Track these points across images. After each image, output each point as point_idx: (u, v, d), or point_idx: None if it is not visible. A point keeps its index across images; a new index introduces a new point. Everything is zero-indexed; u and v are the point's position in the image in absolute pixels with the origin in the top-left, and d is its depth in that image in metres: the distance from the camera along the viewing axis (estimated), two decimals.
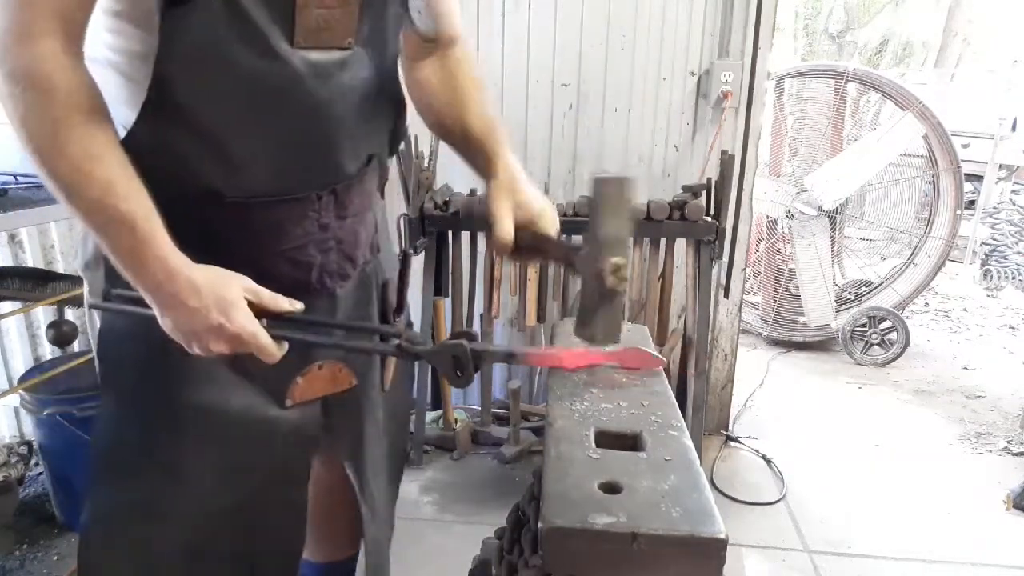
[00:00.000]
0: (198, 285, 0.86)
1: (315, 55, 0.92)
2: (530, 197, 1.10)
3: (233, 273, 0.91)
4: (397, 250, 1.36)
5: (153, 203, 0.86)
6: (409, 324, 1.27)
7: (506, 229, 1.06)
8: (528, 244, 1.07)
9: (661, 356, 1.01)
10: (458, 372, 0.95)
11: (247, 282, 0.91)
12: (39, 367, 2.33)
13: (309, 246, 1.02)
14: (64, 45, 0.80)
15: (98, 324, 1.02)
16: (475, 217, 2.41)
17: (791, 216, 4.06)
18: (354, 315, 1.13)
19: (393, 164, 2.58)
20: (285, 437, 1.07)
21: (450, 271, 2.59)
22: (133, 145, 0.89)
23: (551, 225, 1.09)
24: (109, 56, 0.91)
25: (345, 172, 1.04)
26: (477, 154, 1.14)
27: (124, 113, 0.90)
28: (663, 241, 2.47)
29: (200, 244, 0.93)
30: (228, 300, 0.88)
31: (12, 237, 2.42)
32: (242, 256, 0.96)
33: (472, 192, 2.46)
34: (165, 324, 0.90)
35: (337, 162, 1.02)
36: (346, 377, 1.12)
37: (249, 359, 0.93)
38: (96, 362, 1.04)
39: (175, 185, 0.91)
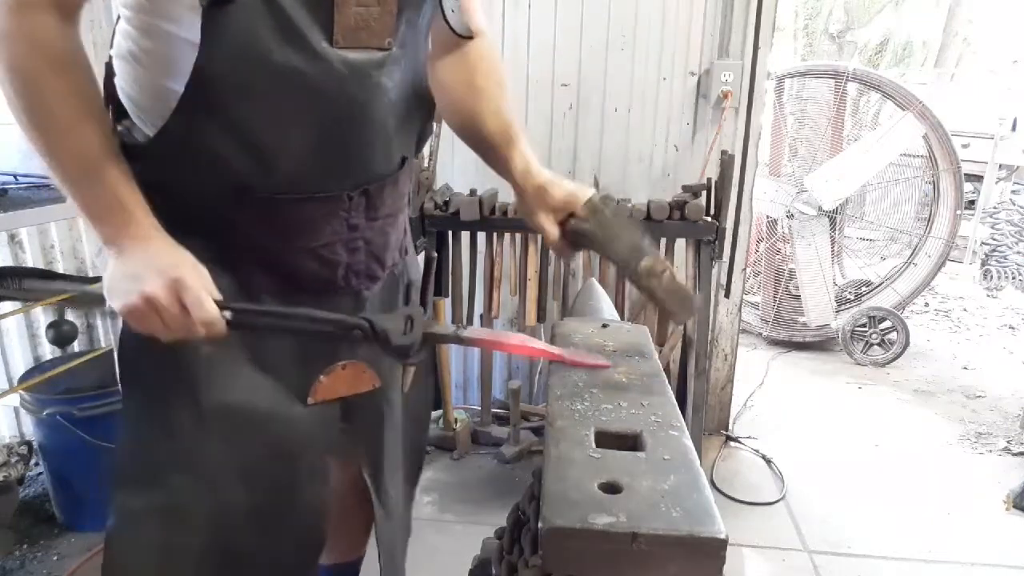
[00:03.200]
0: (161, 236, 0.90)
1: (354, 55, 0.92)
2: (554, 188, 1.08)
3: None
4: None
5: (179, 199, 0.92)
6: None
7: (550, 232, 1.07)
8: (578, 233, 1.07)
9: (607, 362, 0.99)
10: (406, 332, 0.96)
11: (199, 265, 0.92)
12: (39, 367, 2.33)
13: (337, 245, 1.02)
14: (59, 20, 0.83)
15: (120, 324, 1.02)
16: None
17: (791, 216, 4.06)
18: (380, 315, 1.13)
19: None
20: (306, 437, 1.07)
21: (450, 271, 2.59)
22: (165, 142, 0.91)
23: (583, 202, 1.07)
24: (137, 53, 0.92)
25: (378, 173, 1.04)
26: (492, 154, 1.13)
27: (155, 109, 0.91)
28: (663, 241, 2.47)
29: (224, 238, 0.95)
30: (186, 259, 0.89)
31: (12, 237, 2.42)
32: (268, 251, 0.97)
33: (472, 192, 2.46)
34: (114, 273, 0.89)
35: (370, 162, 1.02)
36: (369, 379, 1.12)
37: (268, 352, 0.95)
38: (117, 363, 1.04)
39: (205, 180, 0.94)
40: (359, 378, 1.10)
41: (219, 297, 0.91)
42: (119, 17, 0.94)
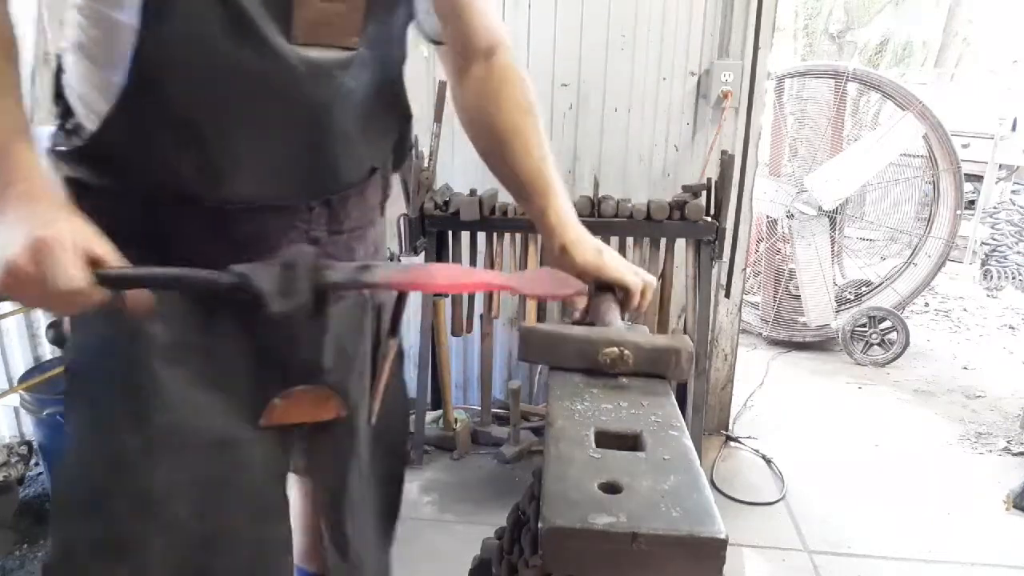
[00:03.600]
0: (52, 196, 0.77)
1: (315, 53, 0.84)
2: (577, 252, 0.99)
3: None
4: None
5: (123, 200, 0.84)
6: (400, 352, 1.16)
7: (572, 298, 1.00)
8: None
9: (577, 286, 0.88)
10: (287, 291, 0.80)
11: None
12: (39, 367, 2.33)
13: None
14: None
15: (75, 336, 0.94)
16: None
17: (791, 216, 4.06)
18: (347, 338, 1.01)
19: None
20: (260, 465, 0.97)
21: None
22: (107, 137, 0.83)
23: (608, 272, 1.00)
24: (81, 40, 0.85)
25: (341, 182, 0.96)
26: (523, 197, 1.04)
27: (97, 101, 0.84)
28: (663, 241, 2.48)
29: (170, 251, 0.85)
30: (62, 216, 0.75)
31: None
32: (217, 266, 0.85)
33: (472, 192, 2.46)
34: None
35: (333, 171, 0.94)
36: (333, 407, 1.00)
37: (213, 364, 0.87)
38: (65, 378, 0.94)
39: (149, 183, 0.86)
40: (322, 405, 0.98)
41: (111, 261, 0.76)
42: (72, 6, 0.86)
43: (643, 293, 1.02)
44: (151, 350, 0.88)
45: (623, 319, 0.98)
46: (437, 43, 1.01)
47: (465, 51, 1.04)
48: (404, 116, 1.04)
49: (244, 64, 0.80)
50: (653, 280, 1.03)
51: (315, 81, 0.85)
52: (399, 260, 2.73)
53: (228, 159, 0.85)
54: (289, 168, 0.90)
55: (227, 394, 0.93)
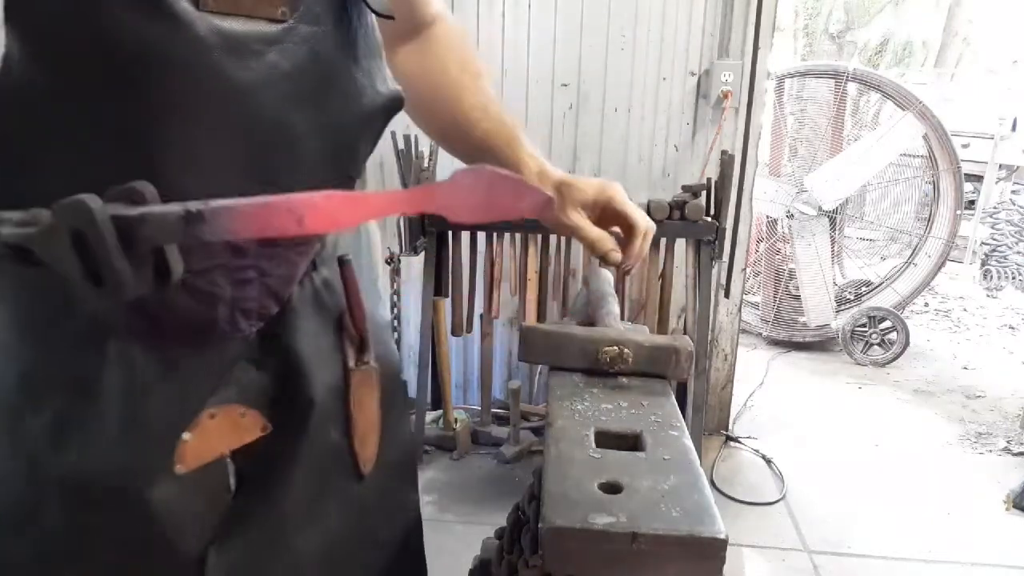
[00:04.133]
0: None
1: (231, 24, 0.67)
2: (581, 183, 0.94)
3: None
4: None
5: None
6: (394, 381, 0.95)
7: (589, 230, 0.92)
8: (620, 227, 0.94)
9: (542, 192, 0.61)
10: (90, 270, 0.54)
11: None
12: None
13: (215, 273, 0.71)
14: None
15: None
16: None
17: (791, 216, 4.06)
18: (314, 354, 0.80)
19: (392, 163, 2.58)
20: (178, 520, 0.74)
21: (450, 271, 2.59)
22: None
23: (615, 194, 0.94)
24: None
25: (273, 182, 0.71)
26: (491, 158, 0.94)
27: None
28: (663, 241, 2.48)
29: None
30: None
31: None
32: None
33: None
34: None
35: (262, 167, 0.73)
36: (251, 422, 0.77)
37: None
38: None
39: (16, 186, 0.66)
40: (237, 425, 0.76)
41: None
42: None
43: (644, 236, 0.96)
44: None
45: (623, 269, 0.97)
46: (387, 17, 0.84)
47: (410, 19, 0.94)
48: (376, 111, 0.82)
49: (129, 32, 0.62)
50: (654, 225, 1.00)
51: (233, 58, 0.68)
52: (399, 260, 2.74)
53: (114, 152, 0.66)
54: (199, 162, 0.70)
55: (145, 434, 0.72)
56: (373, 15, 0.81)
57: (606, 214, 0.95)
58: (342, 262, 0.82)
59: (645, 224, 0.96)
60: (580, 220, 0.93)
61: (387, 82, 0.83)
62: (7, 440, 0.71)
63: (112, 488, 0.71)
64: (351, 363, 0.83)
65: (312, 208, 0.58)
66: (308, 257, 0.80)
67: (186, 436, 0.73)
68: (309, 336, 0.80)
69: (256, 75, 0.70)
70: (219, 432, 0.75)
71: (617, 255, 0.95)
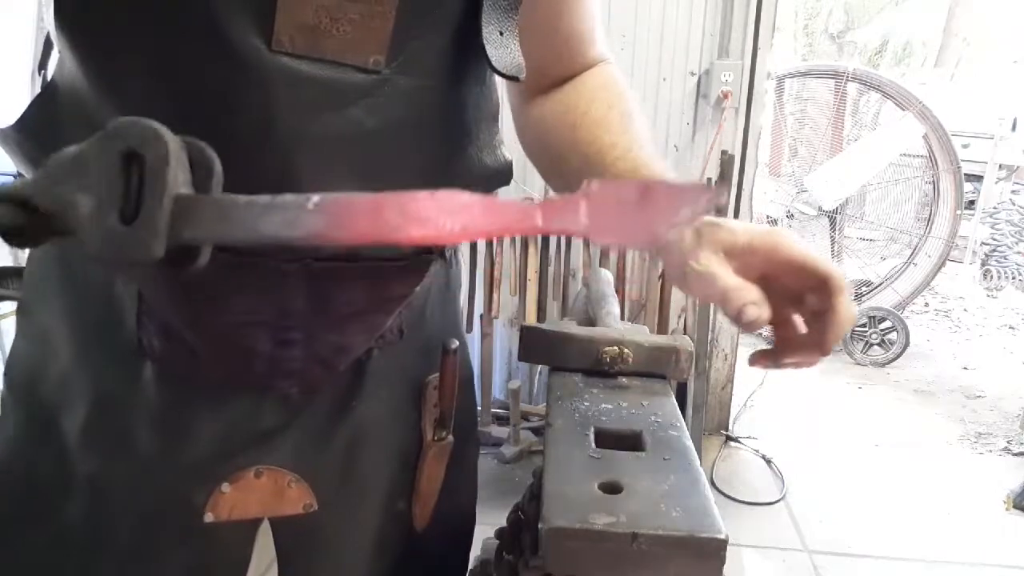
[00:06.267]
0: None
1: (309, 68, 0.57)
2: (725, 228, 0.61)
3: None
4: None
5: None
6: (468, 450, 0.93)
7: (730, 286, 0.58)
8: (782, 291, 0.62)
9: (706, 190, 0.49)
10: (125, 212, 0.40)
11: None
12: None
13: (255, 329, 0.64)
14: None
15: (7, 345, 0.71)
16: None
17: (791, 216, 4.06)
18: (389, 426, 0.74)
19: None
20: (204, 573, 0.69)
21: None
22: (26, 134, 0.60)
23: (788, 247, 0.60)
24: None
25: (331, 252, 0.62)
26: None
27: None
28: None
29: (81, 292, 0.65)
30: None
31: None
32: (149, 315, 0.63)
33: None
34: None
35: None
36: (297, 495, 0.69)
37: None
38: None
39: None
40: (282, 493, 0.69)
41: None
42: None
43: (844, 291, 0.62)
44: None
45: (821, 351, 0.64)
46: (510, 78, 0.68)
47: (568, 70, 0.78)
48: (476, 188, 0.58)
49: (199, 71, 0.56)
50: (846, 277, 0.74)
51: (302, 105, 0.57)
52: None
53: None
54: None
55: (177, 484, 0.67)
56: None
57: (771, 267, 0.62)
58: (446, 351, 0.74)
59: (839, 275, 0.61)
60: (715, 266, 0.61)
61: (496, 151, 0.72)
62: (38, 431, 0.68)
63: (139, 502, 0.67)
64: (428, 436, 0.77)
65: (415, 222, 0.43)
66: (369, 333, 0.70)
67: (225, 487, 0.67)
68: (385, 404, 0.73)
69: (330, 131, 0.59)
70: (261, 494, 0.69)
71: (757, 311, 0.58)
